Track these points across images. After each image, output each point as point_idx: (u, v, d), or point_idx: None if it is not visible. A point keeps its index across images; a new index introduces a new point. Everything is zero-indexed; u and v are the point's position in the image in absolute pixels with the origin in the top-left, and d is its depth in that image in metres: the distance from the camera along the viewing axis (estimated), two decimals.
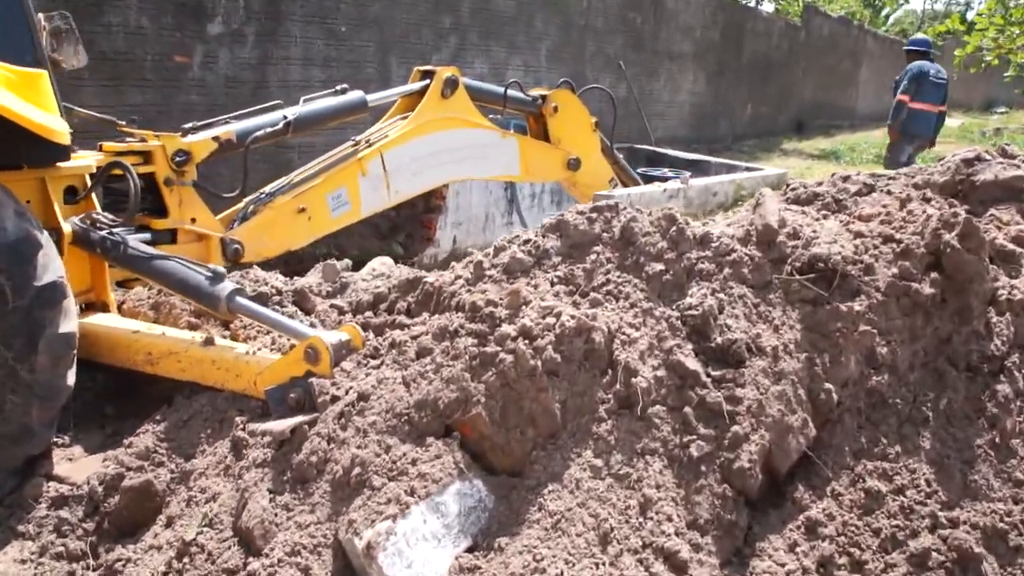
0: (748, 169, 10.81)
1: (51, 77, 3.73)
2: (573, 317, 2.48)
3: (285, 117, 4.94)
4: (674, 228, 2.76)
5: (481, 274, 2.81)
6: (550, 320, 2.49)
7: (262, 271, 3.79)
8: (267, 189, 5.08)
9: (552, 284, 2.69)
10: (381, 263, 3.62)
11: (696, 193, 8.27)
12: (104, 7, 6.33)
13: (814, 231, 2.75)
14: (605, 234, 2.79)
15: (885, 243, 2.81)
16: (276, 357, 3.06)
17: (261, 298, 3.43)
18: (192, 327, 3.66)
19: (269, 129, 4.80)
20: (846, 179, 3.31)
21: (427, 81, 5.84)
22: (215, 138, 4.57)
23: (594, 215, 2.80)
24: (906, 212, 2.95)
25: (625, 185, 7.97)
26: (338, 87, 5.29)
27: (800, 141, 18.18)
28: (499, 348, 2.47)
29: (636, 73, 13.24)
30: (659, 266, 2.69)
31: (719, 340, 2.52)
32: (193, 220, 4.62)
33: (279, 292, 3.45)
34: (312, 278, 3.63)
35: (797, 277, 2.64)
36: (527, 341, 2.45)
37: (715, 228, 2.91)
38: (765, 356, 2.52)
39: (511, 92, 6.53)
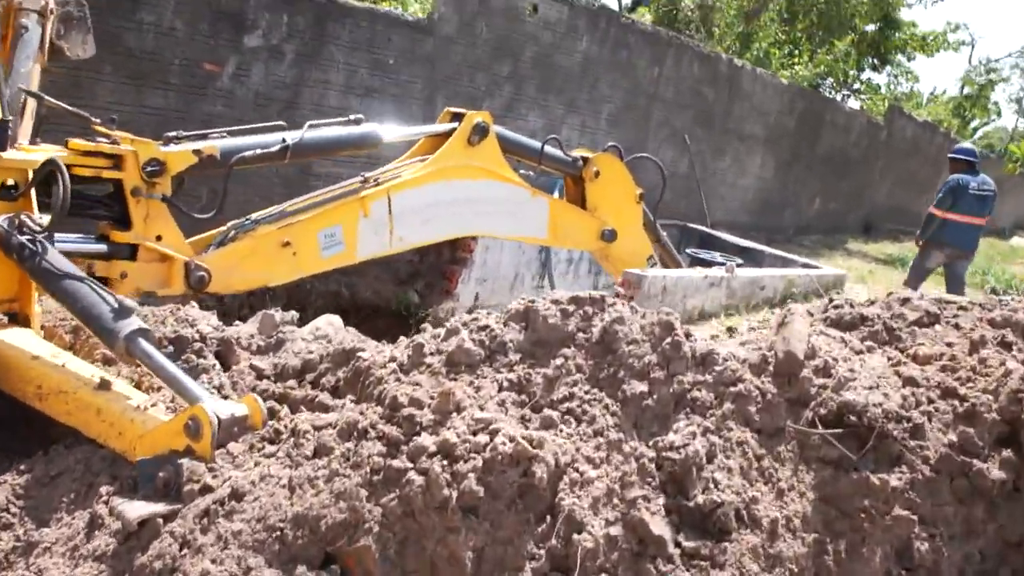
0: (805, 265, 10.12)
1: None
2: (511, 440, 1.89)
3: (284, 141, 4.47)
4: (669, 339, 2.15)
5: (419, 361, 2.24)
6: (482, 439, 1.91)
7: (198, 311, 3.25)
8: (255, 216, 4.60)
9: (500, 388, 2.11)
10: (328, 322, 3.07)
11: (741, 285, 7.62)
12: (140, 3, 6.04)
13: (851, 369, 2.13)
14: (581, 334, 2.20)
15: (944, 398, 2.18)
16: (167, 419, 2.51)
17: (179, 342, 2.90)
18: (106, 361, 3.15)
19: (260, 151, 4.32)
20: (905, 302, 2.66)
21: (455, 124, 5.35)
22: (196, 151, 4.11)
23: (571, 308, 2.22)
24: (977, 359, 2.31)
25: (665, 266, 7.36)
26: (352, 116, 4.83)
27: (867, 243, 17.36)
28: (410, 465, 1.89)
29: (701, 150, 12.70)
30: (641, 386, 2.08)
31: (701, 499, 1.90)
32: (159, 238, 4.15)
33: (202, 339, 2.92)
34: (247, 327, 3.09)
35: (820, 430, 2.01)
36: (446, 462, 1.87)
37: (724, 345, 2.29)
38: (759, 530, 1.89)
39: (548, 149, 6.02)
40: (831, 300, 2.77)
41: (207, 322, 3.07)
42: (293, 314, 3.14)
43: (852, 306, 2.66)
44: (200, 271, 4.22)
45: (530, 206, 5.86)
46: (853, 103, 21.99)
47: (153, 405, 2.64)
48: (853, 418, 1.98)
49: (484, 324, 2.26)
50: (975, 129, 37.91)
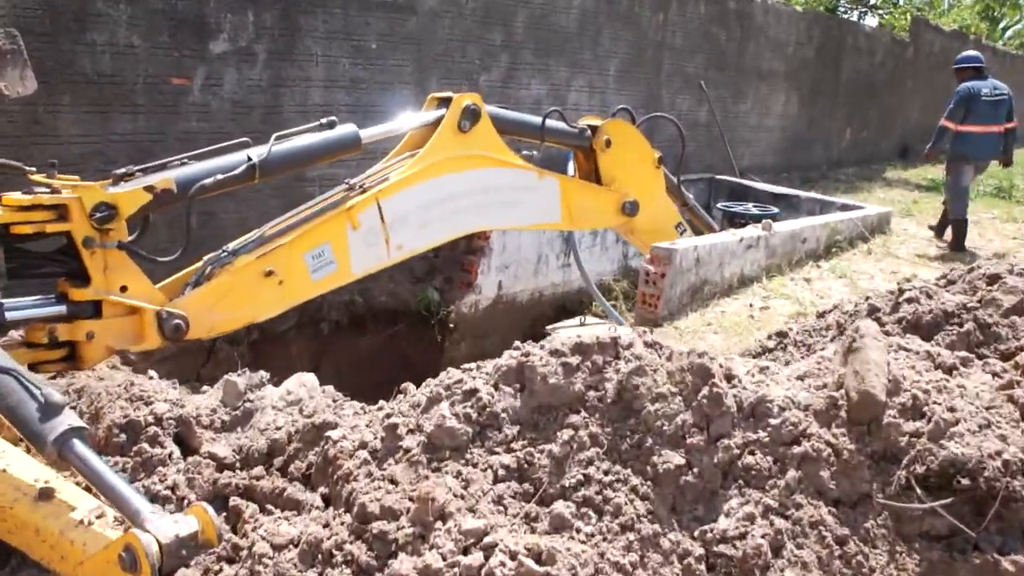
0: (844, 207, 9.52)
1: None
2: (513, 557, 1.44)
3: (249, 159, 4.02)
4: (707, 390, 1.68)
5: (394, 446, 1.79)
6: (474, 558, 1.47)
7: (156, 382, 2.83)
8: (231, 246, 4.17)
9: (496, 478, 1.66)
10: (300, 383, 2.64)
11: (780, 241, 7.07)
12: (87, 23, 5.58)
13: (952, 407, 1.63)
14: (592, 392, 1.75)
15: None
16: (114, 536, 2.10)
17: (131, 429, 2.48)
18: None
19: (222, 176, 3.88)
20: (993, 281, 2.14)
21: (442, 111, 4.86)
22: (148, 188, 3.68)
23: (576, 359, 1.77)
24: None
25: (696, 231, 6.84)
26: (324, 120, 4.37)
27: (905, 169, 16.57)
28: None
29: (720, 95, 12.05)
30: (676, 456, 1.63)
31: None
32: (123, 289, 3.74)
33: (158, 421, 2.50)
34: (209, 399, 2.66)
35: (920, 496, 1.53)
36: None
37: (777, 384, 1.81)
38: None
39: (550, 123, 5.52)
40: (900, 291, 2.26)
41: (164, 397, 2.64)
42: (262, 375, 2.71)
43: (928, 296, 2.16)
44: (175, 319, 3.82)
45: (539, 190, 5.37)
46: (872, 20, 20.99)
47: (100, 516, 2.23)
48: (965, 479, 1.51)
49: (471, 388, 1.81)
50: (1005, 29, 36.34)
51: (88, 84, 5.69)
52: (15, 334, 3.68)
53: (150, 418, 2.51)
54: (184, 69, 6.13)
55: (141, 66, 5.90)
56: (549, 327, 7.86)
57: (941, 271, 7.67)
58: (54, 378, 3.65)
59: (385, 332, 7.73)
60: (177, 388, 2.82)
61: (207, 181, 3.79)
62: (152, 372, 2.98)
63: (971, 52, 9.98)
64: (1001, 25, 34.99)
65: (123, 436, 2.46)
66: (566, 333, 7.60)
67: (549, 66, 9.26)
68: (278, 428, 2.30)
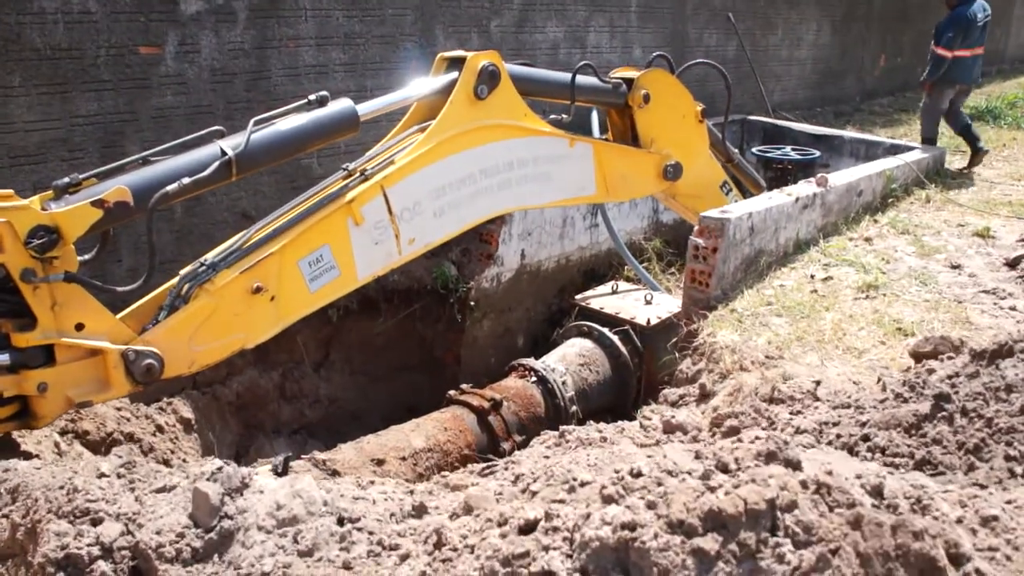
0: (893, 147, 8.70)
1: None
2: None
3: (223, 154, 3.31)
4: None
5: None
6: None
7: (104, 486, 2.15)
8: (209, 258, 3.49)
9: None
10: (294, 494, 1.94)
11: (837, 196, 6.31)
12: None
13: None
14: None
15: None
16: None
17: (71, 565, 1.82)
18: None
19: (189, 180, 3.17)
20: None
21: (454, 74, 4.12)
22: (97, 203, 2.98)
23: (712, 543, 1.07)
24: None
25: (743, 192, 6.09)
26: (312, 97, 3.63)
27: None
28: None
29: (748, 27, 11.12)
30: None
31: None
32: (79, 327, 3.08)
33: (106, 552, 1.84)
34: (175, 514, 1.98)
35: None
36: None
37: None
38: None
39: (581, 79, 4.77)
40: None
41: (116, 510, 1.98)
42: (243, 475, 2.04)
43: None
44: (145, 358, 3.17)
45: (571, 160, 4.65)
46: None
47: None
48: None
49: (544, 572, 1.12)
50: None
51: (41, 61, 4.95)
52: None
53: (96, 550, 1.86)
54: (153, 36, 5.36)
55: (102, 36, 5.14)
56: (579, 296, 7.19)
57: (1012, 222, 6.98)
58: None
59: (400, 314, 7.06)
60: (134, 486, 2.15)
61: (171, 187, 3.10)
62: (103, 466, 2.30)
63: None
64: None
65: None
66: (598, 302, 6.94)
67: (566, 5, 8.40)
68: (265, 573, 1.65)
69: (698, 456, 1.74)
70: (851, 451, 2.28)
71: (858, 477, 1.58)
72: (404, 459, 5.11)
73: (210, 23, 5.60)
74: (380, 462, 5.02)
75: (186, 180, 3.11)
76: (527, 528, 1.55)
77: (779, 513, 1.25)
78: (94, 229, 2.99)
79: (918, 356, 3.74)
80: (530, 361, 6.06)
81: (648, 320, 6.36)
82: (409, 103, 4.09)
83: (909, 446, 2.25)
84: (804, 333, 4.57)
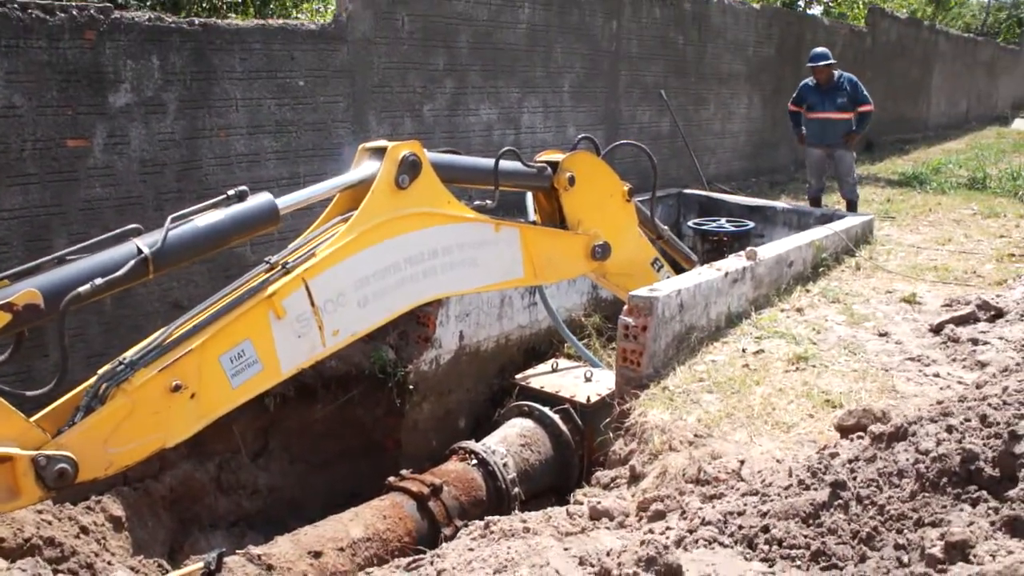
0: (823, 218, 8.97)
1: None
2: None
3: (139, 252, 3.31)
4: None
5: None
6: None
7: None
8: (129, 355, 3.46)
9: None
10: None
11: (767, 269, 6.48)
12: None
13: None
14: None
15: None
16: None
17: None
18: None
19: (102, 280, 3.17)
20: None
21: (376, 164, 4.20)
22: (6, 306, 2.96)
23: None
24: None
25: (675, 267, 6.23)
26: (230, 192, 3.66)
27: (873, 164, 16.21)
28: None
29: (681, 103, 11.50)
30: None
31: None
32: None
33: None
34: None
35: None
36: None
37: None
38: None
39: (505, 164, 4.89)
40: None
41: None
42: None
43: None
44: (58, 463, 3.12)
45: (497, 244, 4.73)
46: (819, 9, 20.67)
47: None
48: None
49: None
50: (952, 7, 36.50)
51: None
52: None
53: None
54: (81, 128, 5.39)
55: (27, 129, 5.15)
56: (519, 376, 7.22)
57: (937, 287, 7.22)
58: None
59: (338, 400, 7.01)
60: None
61: (83, 289, 3.09)
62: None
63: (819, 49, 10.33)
64: (951, 7, 35.13)
65: None
66: (538, 381, 6.96)
67: (499, 88, 8.62)
68: None
69: (583, 562, 1.76)
70: (751, 544, 2.30)
71: None
72: (342, 550, 5.04)
73: (139, 114, 5.65)
74: (317, 554, 4.94)
75: (99, 280, 3.10)
76: None
77: None
78: (3, 332, 2.96)
79: (842, 430, 3.82)
80: (470, 444, 6.05)
81: (588, 398, 6.41)
82: (331, 194, 4.14)
83: (806, 536, 2.28)
84: (734, 409, 4.64)
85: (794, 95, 10.58)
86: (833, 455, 2.75)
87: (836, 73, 10.13)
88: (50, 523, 4.50)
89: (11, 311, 2.93)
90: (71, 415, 3.29)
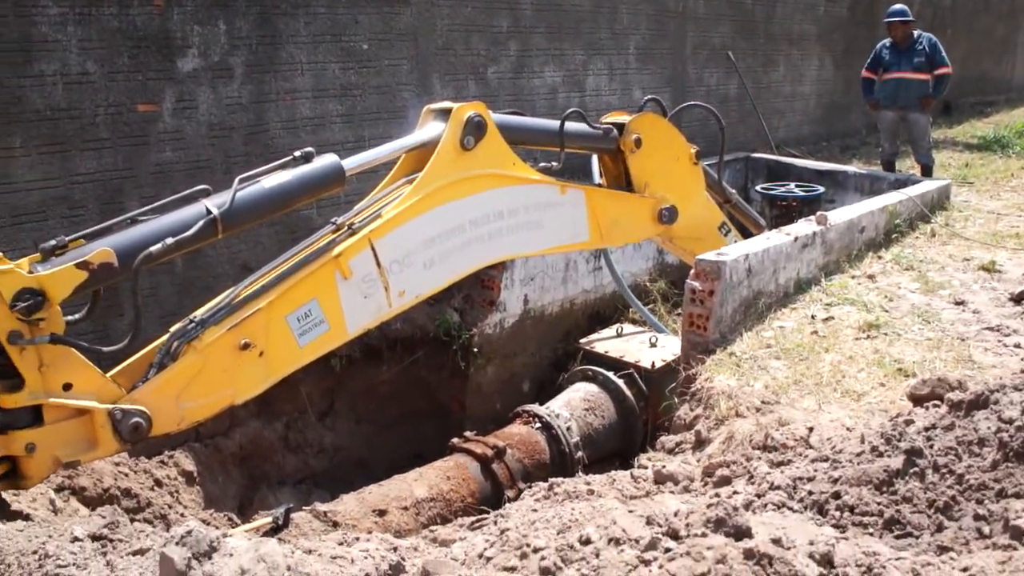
0: (897, 183, 8.69)
1: None
2: None
3: (208, 212, 3.35)
4: None
5: None
6: None
7: (80, 549, 2.17)
8: (199, 314, 3.53)
9: None
10: (258, 558, 1.94)
11: (838, 234, 6.31)
12: (32, 52, 4.94)
13: None
14: None
15: None
16: None
17: None
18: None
19: (172, 240, 3.22)
20: None
21: (441, 125, 4.17)
22: (82, 265, 3.03)
23: None
24: None
25: (742, 231, 6.10)
26: (297, 153, 3.68)
27: (951, 127, 15.61)
28: None
29: (749, 65, 11.22)
30: None
31: None
32: (67, 387, 3.12)
33: None
34: None
35: None
36: None
37: None
38: None
39: (570, 126, 4.82)
40: None
41: None
42: (211, 539, 2.04)
43: None
44: (133, 416, 3.20)
45: (563, 207, 4.68)
46: None
47: None
48: None
49: None
50: None
51: (41, 121, 5.06)
52: None
53: None
54: (151, 93, 5.48)
55: (100, 95, 5.26)
56: (583, 340, 7.19)
57: (1019, 254, 6.94)
58: None
59: (404, 362, 7.07)
60: (106, 549, 2.17)
61: (154, 248, 3.15)
62: (77, 530, 2.31)
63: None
64: None
65: None
66: (603, 346, 6.92)
67: (564, 50, 8.51)
68: None
69: (650, 522, 1.73)
70: (821, 510, 2.24)
71: (811, 544, 1.56)
72: (406, 509, 5.09)
73: (207, 79, 5.72)
74: (382, 512, 5.00)
75: (170, 240, 3.16)
76: None
77: None
78: (80, 290, 3.04)
79: (916, 399, 3.70)
80: (534, 407, 6.05)
81: (653, 363, 6.34)
82: (396, 155, 4.14)
83: (879, 504, 2.21)
84: (802, 376, 4.54)
85: (868, 59, 10.19)
86: (908, 422, 2.67)
87: (915, 33, 9.74)
88: (127, 475, 4.64)
89: (87, 269, 3.01)
90: (145, 371, 3.38)
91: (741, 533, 1.58)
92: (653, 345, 6.72)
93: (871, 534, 2.08)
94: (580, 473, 5.45)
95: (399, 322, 6.88)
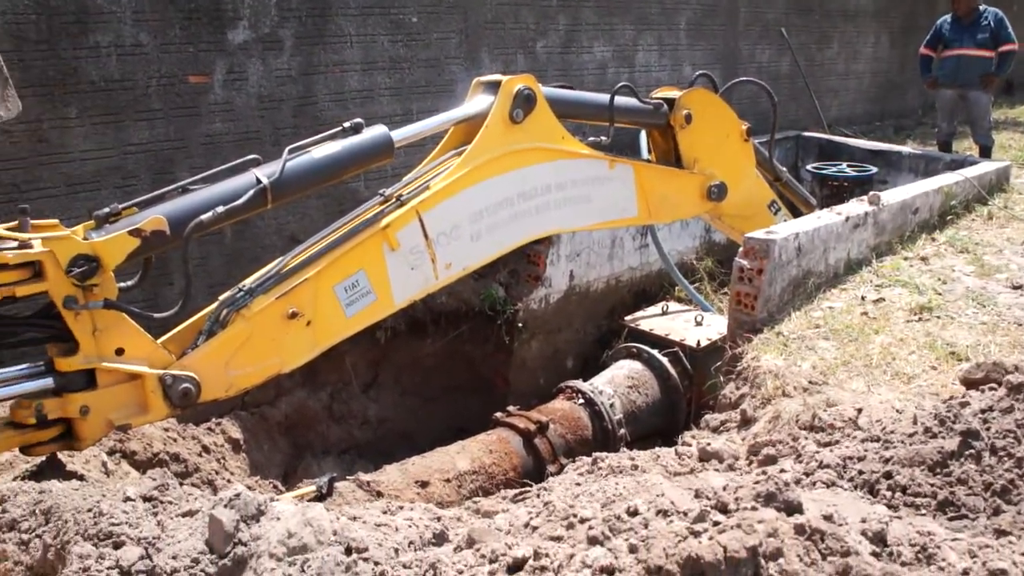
0: (953, 164, 8.46)
1: None
2: None
3: (258, 182, 3.38)
4: None
5: None
6: None
7: (133, 507, 2.21)
8: (248, 283, 3.57)
9: None
10: (305, 522, 1.97)
11: (891, 215, 6.17)
12: (88, 24, 5.01)
13: None
14: None
15: None
16: None
17: None
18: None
19: (223, 208, 3.25)
20: None
21: (490, 98, 4.15)
22: (135, 232, 3.07)
23: None
24: None
25: (792, 210, 6.00)
26: (346, 124, 3.69)
27: (1013, 107, 15.16)
28: None
29: (802, 42, 10.99)
30: None
31: None
32: (119, 352, 3.17)
33: (125, 574, 1.87)
34: (192, 540, 2.02)
35: None
36: None
37: None
38: None
39: (620, 100, 4.76)
40: None
41: (138, 534, 2.03)
42: (259, 502, 2.06)
43: None
44: (182, 383, 3.25)
45: (611, 182, 4.65)
46: None
47: None
48: None
49: None
50: None
51: (96, 92, 5.13)
52: None
53: (115, 573, 1.92)
54: (202, 65, 5.53)
55: (152, 66, 5.31)
56: (628, 317, 7.15)
57: None
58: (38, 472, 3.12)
59: (448, 335, 7.10)
60: (157, 510, 2.21)
61: (205, 216, 3.18)
62: (130, 491, 2.36)
63: None
64: None
65: None
66: (648, 324, 6.88)
67: (613, 25, 8.41)
68: None
69: (698, 495, 1.72)
70: (872, 489, 2.20)
71: (863, 521, 1.53)
72: (448, 481, 5.13)
73: (257, 51, 5.75)
74: (424, 484, 5.04)
75: (220, 209, 3.19)
76: (515, 567, 1.55)
77: (763, 561, 1.22)
78: (133, 257, 3.09)
79: (968, 383, 3.62)
80: (577, 383, 6.04)
81: (698, 342, 6.29)
82: (445, 128, 4.13)
83: (932, 485, 2.16)
84: (851, 357, 4.46)
85: (928, 36, 9.93)
86: (964, 404, 2.60)
87: (980, 7, 9.43)
88: (175, 440, 4.73)
89: (139, 236, 3.05)
90: (194, 339, 3.43)
91: (792, 508, 1.56)
92: (699, 324, 6.66)
93: (924, 515, 2.04)
94: (623, 450, 5.44)
95: (444, 295, 6.90)
